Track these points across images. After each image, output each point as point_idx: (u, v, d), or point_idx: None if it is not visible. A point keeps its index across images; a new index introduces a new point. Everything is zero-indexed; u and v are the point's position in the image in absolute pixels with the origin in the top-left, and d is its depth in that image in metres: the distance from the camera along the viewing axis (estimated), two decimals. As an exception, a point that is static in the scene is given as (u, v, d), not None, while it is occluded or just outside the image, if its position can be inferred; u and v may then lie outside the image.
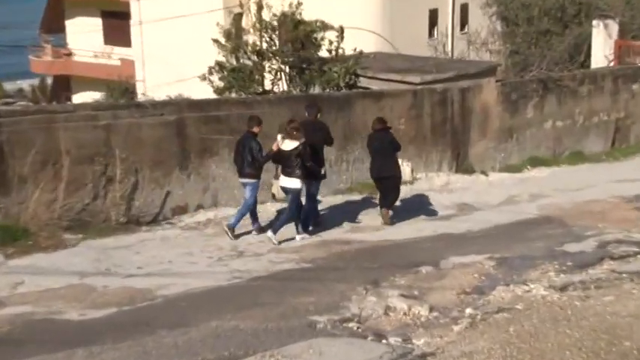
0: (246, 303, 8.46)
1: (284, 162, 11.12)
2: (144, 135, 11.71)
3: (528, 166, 17.21)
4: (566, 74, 19.35)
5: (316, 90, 16.51)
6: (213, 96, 16.28)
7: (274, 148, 11.19)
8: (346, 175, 14.35)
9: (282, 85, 16.90)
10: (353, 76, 16.72)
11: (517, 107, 17.33)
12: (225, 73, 16.90)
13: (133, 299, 8.57)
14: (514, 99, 17.24)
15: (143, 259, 10.13)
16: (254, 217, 11.48)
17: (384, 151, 12.19)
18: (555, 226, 12.67)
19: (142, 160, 11.68)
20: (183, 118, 12.13)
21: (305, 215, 11.46)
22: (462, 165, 16.31)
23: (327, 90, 16.38)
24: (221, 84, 16.93)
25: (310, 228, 11.55)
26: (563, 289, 9.67)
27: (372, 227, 12.18)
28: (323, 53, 16.96)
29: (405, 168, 12.84)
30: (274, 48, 16.82)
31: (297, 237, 11.27)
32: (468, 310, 8.81)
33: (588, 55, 23.10)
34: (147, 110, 11.87)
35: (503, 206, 13.98)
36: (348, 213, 12.79)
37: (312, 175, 11.33)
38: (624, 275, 10.28)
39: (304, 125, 11.24)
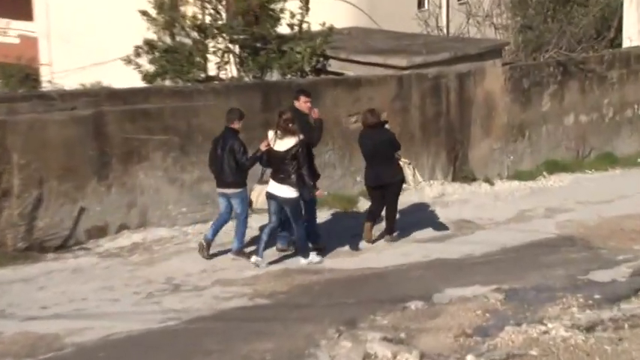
0: (184, 351, 8.39)
1: (276, 165, 11.23)
2: (50, 135, 11.62)
3: (544, 173, 17.34)
4: (592, 55, 19.58)
5: (274, 76, 16.49)
6: (142, 84, 16.18)
7: (263, 147, 11.28)
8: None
9: (231, 70, 16.83)
10: (321, 59, 16.73)
11: (530, 98, 17.50)
12: (157, 54, 16.81)
13: (34, 349, 8.45)
14: (526, 87, 17.40)
15: (49, 297, 10.01)
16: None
17: (381, 153, 12.33)
18: (579, 249, 12.79)
19: (48, 168, 11.58)
20: (102, 112, 12.06)
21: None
22: (460, 171, 16.42)
23: (289, 76, 16.37)
24: (152, 68, 16.84)
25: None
26: (589, 329, 9.73)
27: (346, 252, 12.18)
28: (283, 29, 16.94)
29: (406, 170, 12.83)
30: (220, 22, 16.76)
31: (304, 260, 11.54)
32: (469, 358, 8.84)
33: (619, 31, 23.35)
34: (54, 103, 11.78)
35: (513, 224, 14.09)
36: (315, 234, 12.83)
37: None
38: (666, 310, 10.41)
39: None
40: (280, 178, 11.22)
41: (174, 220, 12.79)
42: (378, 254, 12.14)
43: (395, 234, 12.77)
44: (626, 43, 22.73)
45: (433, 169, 16.07)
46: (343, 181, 14.71)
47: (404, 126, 15.53)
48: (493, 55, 17.54)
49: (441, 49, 17.21)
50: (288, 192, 11.25)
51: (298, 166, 11.19)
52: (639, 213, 14.73)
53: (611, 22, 23.99)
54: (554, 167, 17.35)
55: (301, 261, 11.56)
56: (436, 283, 10.92)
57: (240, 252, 11.55)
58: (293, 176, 11.17)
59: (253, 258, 11.36)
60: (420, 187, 13.79)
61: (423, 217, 14.08)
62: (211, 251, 11.59)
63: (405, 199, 14.85)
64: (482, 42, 18.98)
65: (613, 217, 14.49)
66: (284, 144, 11.19)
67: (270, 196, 11.39)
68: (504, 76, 17.06)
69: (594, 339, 9.37)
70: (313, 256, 11.62)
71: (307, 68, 16.62)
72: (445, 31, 25.01)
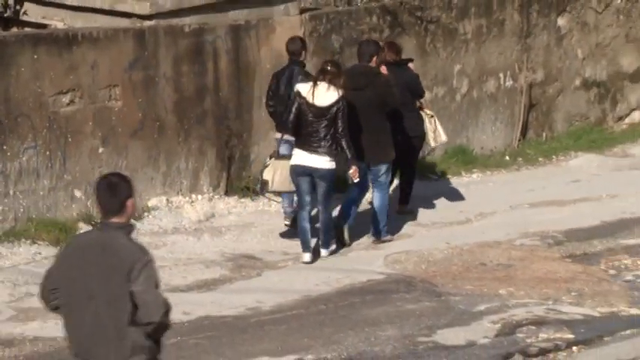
0: None
1: (310, 127, 13.84)
2: None
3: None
4: (435, -2, 20.13)
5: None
6: None
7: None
8: (2, 204, 14.24)
9: None
10: (11, 3, 16.61)
11: (343, 63, 17.83)
12: None
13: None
14: (337, 47, 17.74)
15: None
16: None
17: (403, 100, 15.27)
18: (419, 296, 13.21)
19: None
20: None
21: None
22: (238, 180, 16.59)
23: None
24: None
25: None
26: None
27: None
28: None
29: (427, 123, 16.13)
30: None
31: (324, 251, 14.48)
32: None
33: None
34: None
35: (320, 260, 14.41)
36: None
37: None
38: (549, 388, 10.96)
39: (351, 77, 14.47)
40: (314, 145, 13.80)
41: None
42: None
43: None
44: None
45: (196, 177, 16.18)
46: (53, 197, 14.65)
47: (148, 109, 15.56)
48: (285, -1, 17.77)
49: (204, -12, 17.34)
50: (325, 163, 13.85)
51: (337, 130, 13.81)
52: (508, 239, 15.32)
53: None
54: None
55: (322, 252, 14.42)
56: (204, 356, 11.07)
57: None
58: (330, 142, 13.83)
59: (325, 251, 14.48)
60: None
61: (178, 251, 14.23)
62: None
63: (149, 227, 14.97)
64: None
65: (469, 245, 15.01)
66: (326, 97, 13.82)
67: (299, 171, 13.93)
68: (303, 29, 17.32)
69: None
70: (333, 246, 14.55)
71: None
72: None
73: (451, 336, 11.87)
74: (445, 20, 18.92)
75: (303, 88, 14.05)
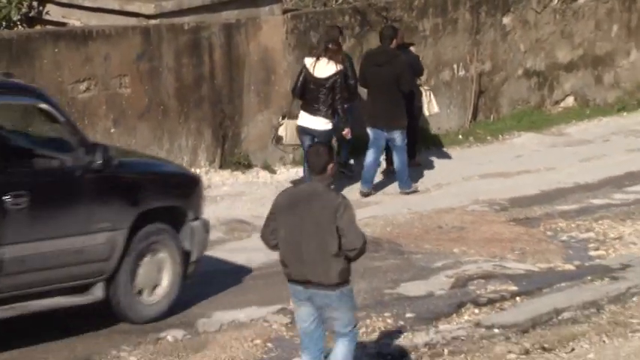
0: None
1: (312, 94, 14.62)
2: None
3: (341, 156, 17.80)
4: (398, 0, 20.19)
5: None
6: None
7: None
8: None
9: None
10: (35, 3, 16.57)
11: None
12: None
13: None
14: (314, 42, 17.76)
15: None
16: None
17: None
18: (385, 254, 13.31)
19: None
20: None
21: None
22: (230, 155, 16.63)
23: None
24: None
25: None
26: (399, 357, 10.21)
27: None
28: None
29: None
30: None
31: None
32: (246, 402, 9.11)
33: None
34: None
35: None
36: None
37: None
38: (496, 331, 11.03)
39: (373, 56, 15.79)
40: (314, 108, 14.50)
41: None
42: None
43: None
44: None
45: (194, 153, 16.21)
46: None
47: (153, 95, 15.59)
48: (270, 1, 17.78)
49: (201, -8, 17.34)
50: (323, 124, 14.45)
51: (334, 98, 14.46)
52: (461, 206, 15.43)
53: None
54: (355, 150, 17.80)
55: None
56: (200, 305, 11.12)
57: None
58: (327, 107, 14.48)
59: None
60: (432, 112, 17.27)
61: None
62: None
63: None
64: (256, -19, 19.22)
65: (427, 212, 15.12)
66: (325, 70, 14.47)
67: (302, 131, 14.68)
68: (286, 27, 17.37)
69: (405, 370, 9.87)
70: None
71: (16, 17, 16.42)
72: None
73: (413, 288, 11.97)
74: (407, 19, 18.94)
75: (308, 61, 14.92)
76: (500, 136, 19.28)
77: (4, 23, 16.26)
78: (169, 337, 10.29)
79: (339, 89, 14.69)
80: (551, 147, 19.13)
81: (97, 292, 10.35)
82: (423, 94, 16.86)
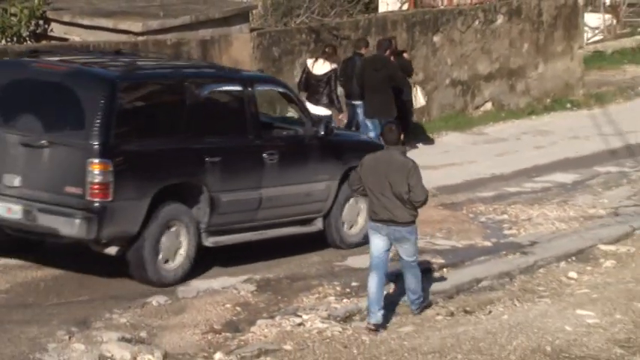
0: None
1: (313, 88, 15.51)
2: None
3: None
4: (346, 21, 20.18)
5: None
6: None
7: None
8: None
9: None
10: (41, 22, 16.44)
11: (281, 68, 17.87)
12: None
13: None
14: (276, 56, 17.77)
15: None
16: None
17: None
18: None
19: None
20: None
21: None
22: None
23: (4, 42, 15.98)
24: None
25: None
26: (346, 319, 10.22)
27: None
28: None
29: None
30: None
31: None
32: (218, 356, 9.08)
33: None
34: None
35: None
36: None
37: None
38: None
39: (371, 62, 16.34)
40: (315, 99, 15.27)
41: None
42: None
43: None
44: (383, 8, 23.66)
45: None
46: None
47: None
48: (239, 20, 17.77)
49: (180, 12, 17.28)
50: (322, 111, 14.67)
51: (330, 90, 15.43)
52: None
53: (366, -17, 24.84)
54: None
55: None
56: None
57: None
58: (325, 97, 15.33)
59: None
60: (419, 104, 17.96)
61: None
62: None
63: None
64: (227, 4, 19.19)
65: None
66: (322, 68, 15.47)
67: None
68: (253, 43, 17.36)
69: (352, 330, 9.88)
70: None
71: (25, 33, 16.29)
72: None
73: (358, 262, 11.97)
74: (354, 37, 18.98)
75: (309, 61, 15.98)
76: (430, 135, 19.30)
77: (15, 39, 16.15)
78: (154, 302, 10.26)
79: (334, 84, 15.64)
80: (472, 144, 19.22)
81: (318, 224, 12.18)
82: (413, 89, 17.58)
